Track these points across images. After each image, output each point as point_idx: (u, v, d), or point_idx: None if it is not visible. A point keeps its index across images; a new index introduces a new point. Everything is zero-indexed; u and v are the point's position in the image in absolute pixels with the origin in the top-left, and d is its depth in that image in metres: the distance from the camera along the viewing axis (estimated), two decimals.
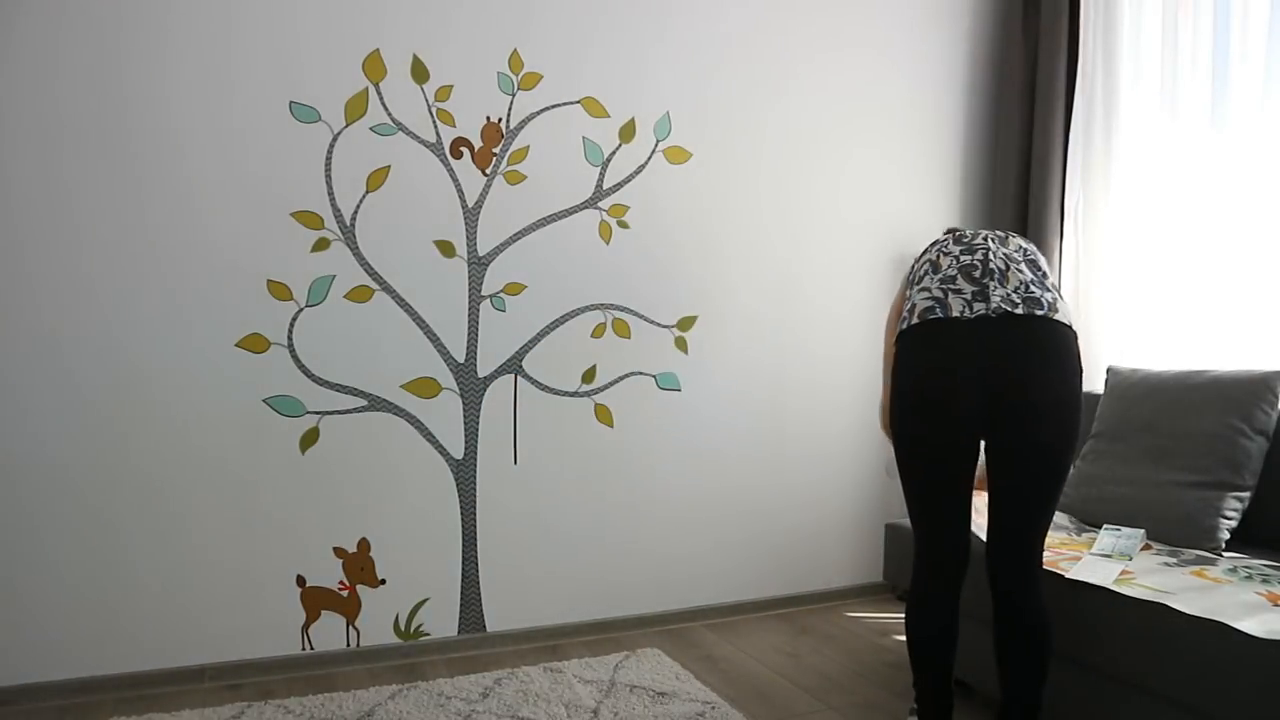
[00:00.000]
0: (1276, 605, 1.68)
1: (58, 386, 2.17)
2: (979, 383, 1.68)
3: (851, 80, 3.01)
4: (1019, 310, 1.68)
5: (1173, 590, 1.76)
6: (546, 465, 2.66)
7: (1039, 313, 1.68)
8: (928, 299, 1.77)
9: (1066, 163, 2.97)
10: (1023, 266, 1.78)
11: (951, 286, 1.76)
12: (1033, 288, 1.73)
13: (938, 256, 1.87)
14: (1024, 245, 1.87)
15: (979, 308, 1.70)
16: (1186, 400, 2.25)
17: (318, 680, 2.37)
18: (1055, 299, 1.73)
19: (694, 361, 2.84)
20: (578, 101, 2.63)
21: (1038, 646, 1.72)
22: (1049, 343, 1.68)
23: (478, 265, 2.55)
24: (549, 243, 2.63)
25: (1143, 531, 2.12)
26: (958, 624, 1.84)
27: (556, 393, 2.66)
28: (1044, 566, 1.91)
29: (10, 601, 2.16)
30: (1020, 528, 1.74)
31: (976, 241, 1.86)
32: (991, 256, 1.79)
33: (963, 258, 1.82)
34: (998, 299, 1.70)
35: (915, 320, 1.76)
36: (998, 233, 1.90)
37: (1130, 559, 2.00)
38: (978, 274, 1.76)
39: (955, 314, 1.71)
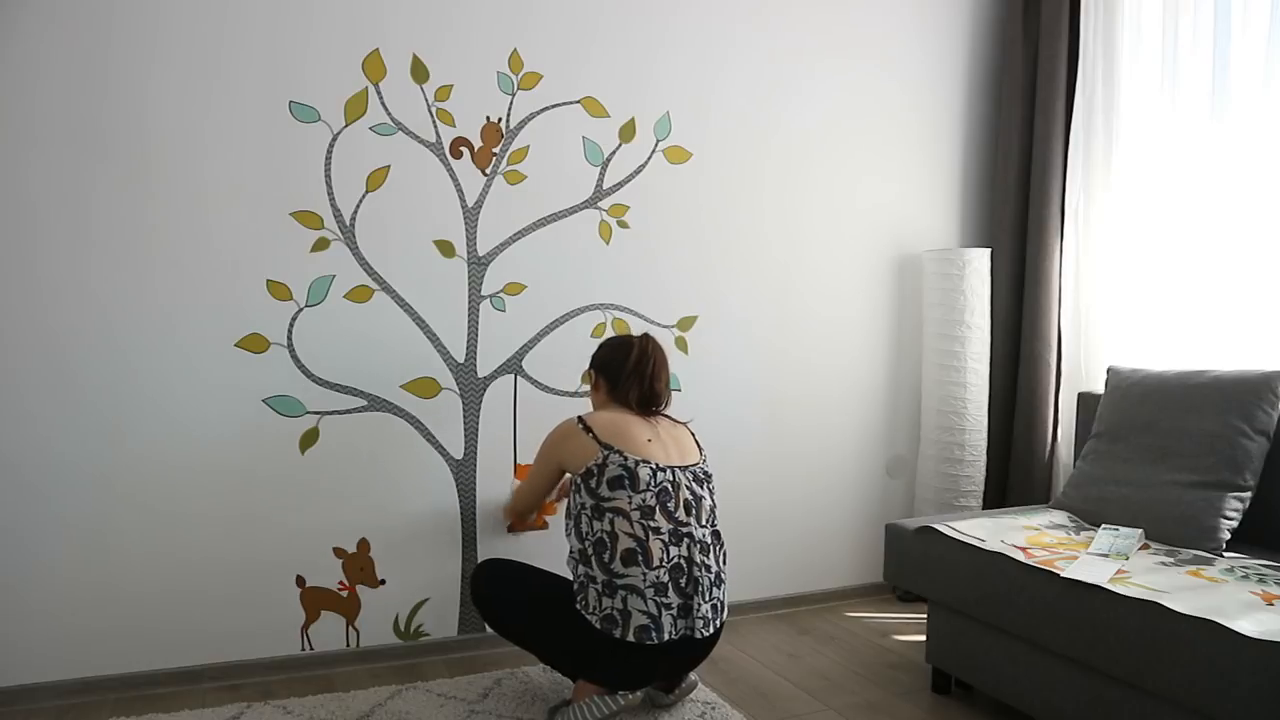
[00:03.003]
0: (1271, 604, 1.68)
1: (58, 386, 2.17)
2: None
3: (852, 80, 3.01)
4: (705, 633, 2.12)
5: (1168, 589, 1.76)
6: None
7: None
8: (644, 617, 2.01)
9: (1066, 163, 2.97)
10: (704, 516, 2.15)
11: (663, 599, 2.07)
12: None
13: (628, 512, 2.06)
14: None
15: (682, 627, 2.09)
16: (1186, 400, 2.24)
17: (317, 680, 2.37)
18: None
19: (694, 361, 2.84)
20: (578, 101, 2.64)
21: None
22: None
23: (478, 265, 2.56)
24: (549, 243, 2.63)
25: (1140, 531, 2.12)
26: None
27: (556, 393, 2.67)
28: (1041, 565, 1.94)
29: (10, 601, 2.16)
30: None
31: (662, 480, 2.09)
32: (685, 526, 2.10)
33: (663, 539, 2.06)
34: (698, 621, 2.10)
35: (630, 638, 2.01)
36: None
37: (1127, 558, 1.99)
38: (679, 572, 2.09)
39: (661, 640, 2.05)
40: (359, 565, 2.46)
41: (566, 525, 2.11)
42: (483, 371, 2.58)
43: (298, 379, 2.38)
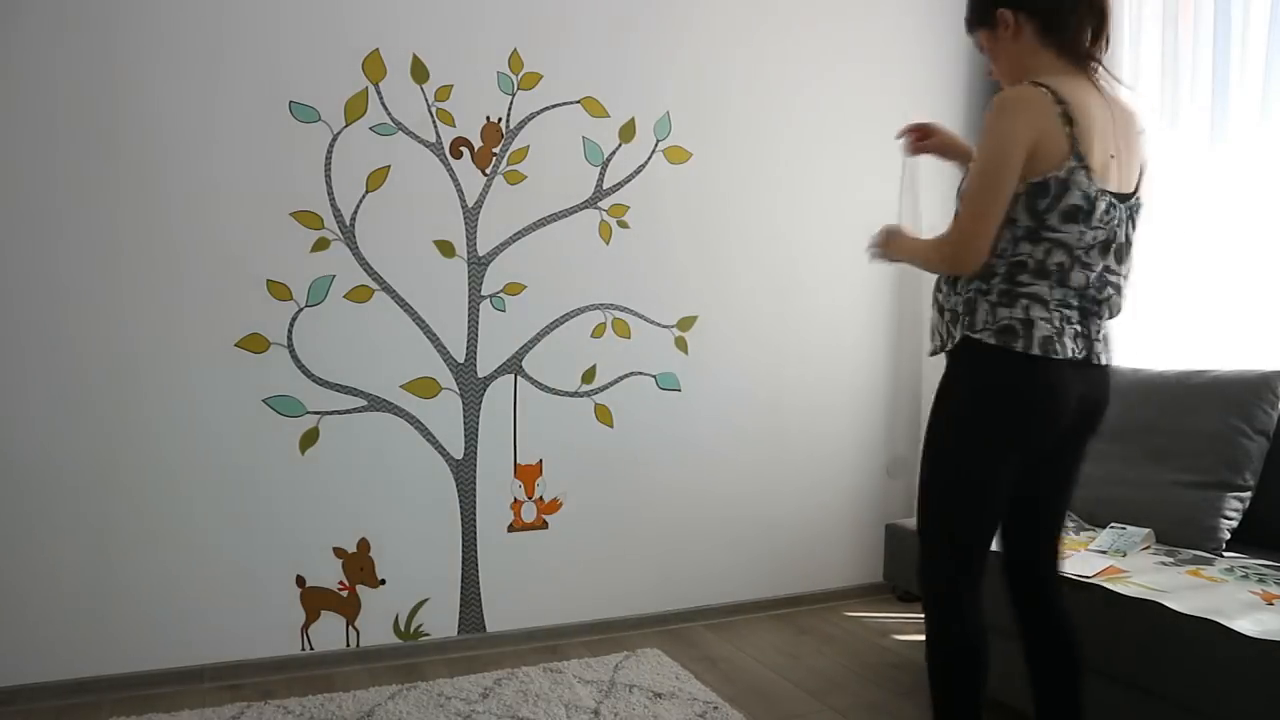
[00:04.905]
0: (1271, 604, 1.68)
1: (58, 386, 2.17)
2: (1076, 411, 1.68)
3: (852, 80, 3.01)
4: (1103, 361, 1.70)
5: (1168, 589, 1.77)
6: (546, 466, 2.66)
7: (1109, 362, 1.73)
8: (1049, 327, 1.62)
9: None
10: (1129, 264, 1.72)
11: (1067, 311, 1.65)
12: (1111, 327, 1.76)
13: (1073, 249, 1.62)
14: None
15: (1081, 347, 1.66)
16: (1186, 400, 2.25)
17: (317, 680, 2.37)
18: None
19: (694, 361, 2.84)
20: (578, 101, 2.64)
21: (1079, 653, 1.73)
22: (1108, 385, 1.76)
23: (478, 265, 2.55)
24: (549, 243, 2.63)
25: (1149, 531, 2.11)
26: None
27: (556, 393, 2.67)
28: None
29: (9, 601, 2.16)
30: (1057, 538, 1.77)
31: (1112, 220, 1.64)
32: (1113, 275, 1.69)
33: (1091, 275, 1.66)
34: (1096, 345, 1.69)
35: (1035, 350, 1.61)
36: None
37: (1124, 554, 2.00)
38: (1089, 301, 1.67)
39: (1064, 356, 1.63)
40: (359, 565, 2.46)
41: None
42: (483, 371, 2.58)
43: (298, 379, 2.38)
